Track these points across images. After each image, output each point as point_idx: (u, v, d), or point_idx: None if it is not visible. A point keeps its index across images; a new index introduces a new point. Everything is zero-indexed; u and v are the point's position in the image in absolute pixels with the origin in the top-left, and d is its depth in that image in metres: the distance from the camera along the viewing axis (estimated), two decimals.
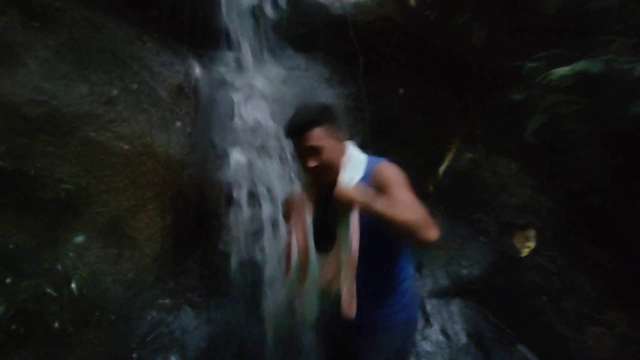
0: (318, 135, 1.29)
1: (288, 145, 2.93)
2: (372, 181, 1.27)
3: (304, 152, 1.31)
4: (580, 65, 2.72)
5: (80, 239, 2.01)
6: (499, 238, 3.12)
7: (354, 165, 1.33)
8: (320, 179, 1.33)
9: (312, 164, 1.28)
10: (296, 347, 2.19)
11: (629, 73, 2.27)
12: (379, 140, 3.65)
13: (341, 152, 1.33)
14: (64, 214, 2.03)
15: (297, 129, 1.31)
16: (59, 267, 1.90)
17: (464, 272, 2.96)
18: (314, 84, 3.39)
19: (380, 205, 1.13)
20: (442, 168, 3.76)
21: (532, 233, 3.05)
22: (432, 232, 1.14)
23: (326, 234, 1.28)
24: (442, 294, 2.90)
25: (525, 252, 2.94)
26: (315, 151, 1.29)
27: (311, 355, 2.16)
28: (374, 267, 1.30)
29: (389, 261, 1.35)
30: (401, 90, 4.01)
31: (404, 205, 1.16)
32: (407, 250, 1.42)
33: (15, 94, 1.95)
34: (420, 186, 3.66)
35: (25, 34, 2.13)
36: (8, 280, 1.75)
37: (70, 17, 2.44)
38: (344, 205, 1.17)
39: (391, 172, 1.27)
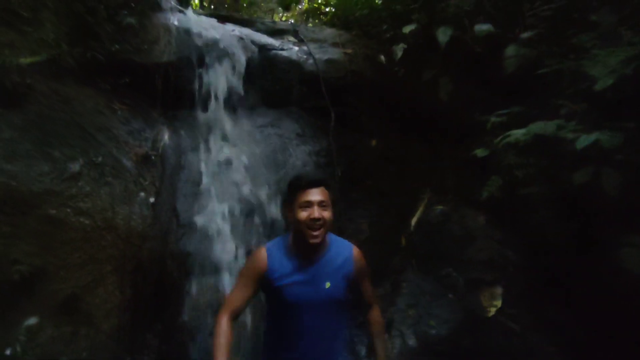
0: (328, 195, 1.50)
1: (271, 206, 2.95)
2: (357, 265, 1.57)
3: (316, 203, 1.45)
4: (535, 128, 2.79)
5: (32, 320, 1.99)
6: (467, 295, 3.12)
7: (338, 241, 1.60)
8: (315, 234, 1.45)
9: (321, 214, 1.43)
10: None
11: (573, 142, 2.35)
12: (351, 192, 3.70)
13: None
14: (18, 295, 2.02)
15: (320, 180, 1.49)
16: (9, 352, 1.87)
17: (432, 332, 2.94)
18: (285, 141, 3.46)
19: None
20: (414, 220, 3.80)
21: (498, 290, 3.06)
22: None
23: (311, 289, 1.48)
24: (410, 356, 2.86)
25: (492, 311, 2.94)
26: (326, 207, 1.47)
27: None
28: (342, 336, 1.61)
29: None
30: (373, 142, 4.10)
31: (374, 299, 1.72)
32: None
33: None
34: (392, 239, 3.69)
35: None
36: None
37: (40, 92, 2.50)
38: None
39: (365, 261, 1.63)
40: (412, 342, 2.89)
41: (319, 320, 1.48)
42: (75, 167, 2.29)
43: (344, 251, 1.56)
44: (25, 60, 2.51)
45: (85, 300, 2.18)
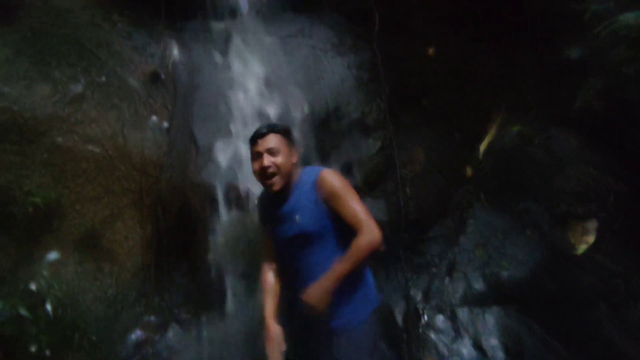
0: (278, 140, 1.76)
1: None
2: (320, 188, 1.73)
3: (264, 151, 1.73)
4: None
5: (54, 255, 2.24)
6: (550, 232, 3.05)
7: (310, 171, 1.79)
8: (269, 182, 1.73)
9: (270, 161, 1.71)
10: None
11: None
12: (402, 114, 3.62)
13: (293, 164, 1.78)
14: (37, 230, 2.26)
15: (268, 127, 1.78)
16: (33, 287, 2.14)
17: (505, 274, 2.95)
18: (318, 54, 3.39)
19: (343, 267, 1.61)
20: (482, 146, 3.68)
21: (592, 225, 2.95)
22: (377, 235, 1.63)
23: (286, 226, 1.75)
24: (476, 301, 2.92)
25: (582, 248, 2.87)
26: (277, 152, 1.73)
27: None
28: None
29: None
30: (430, 50, 3.91)
31: (359, 221, 1.65)
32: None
33: None
34: (455, 169, 3.62)
35: None
36: None
37: (30, 5, 2.61)
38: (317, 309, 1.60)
39: (333, 180, 1.73)
40: (478, 285, 2.93)
41: (302, 256, 1.72)
42: (77, 88, 2.42)
43: (309, 179, 1.77)
44: None
45: (105, 236, 2.40)
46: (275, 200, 1.80)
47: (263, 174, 1.72)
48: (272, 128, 1.77)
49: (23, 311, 2.04)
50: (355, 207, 1.68)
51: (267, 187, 1.75)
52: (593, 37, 3.00)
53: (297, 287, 1.69)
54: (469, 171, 3.60)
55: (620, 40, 2.76)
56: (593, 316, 2.64)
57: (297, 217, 1.72)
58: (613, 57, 2.68)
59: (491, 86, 3.86)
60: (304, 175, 1.79)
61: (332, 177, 1.73)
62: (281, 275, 1.84)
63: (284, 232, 1.75)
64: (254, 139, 1.76)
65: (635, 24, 2.45)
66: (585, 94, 2.74)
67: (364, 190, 3.12)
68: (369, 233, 1.62)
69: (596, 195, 3.07)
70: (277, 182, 1.73)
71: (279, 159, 1.72)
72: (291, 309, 1.76)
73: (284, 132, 1.81)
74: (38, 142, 2.31)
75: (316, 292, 1.60)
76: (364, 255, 1.63)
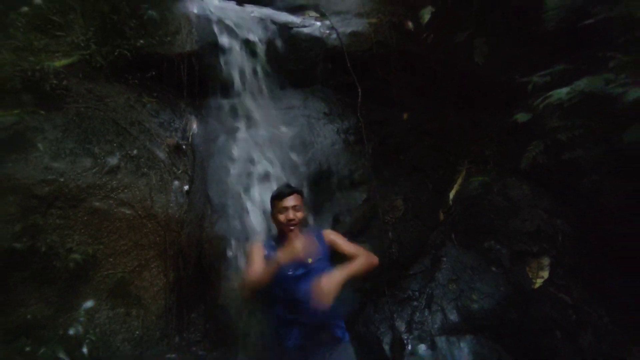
0: (299, 199, 2.11)
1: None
2: (326, 235, 2.15)
3: (291, 207, 2.04)
4: (579, 86, 2.69)
5: (90, 303, 2.29)
6: (512, 268, 3.11)
7: (310, 229, 2.19)
8: (291, 229, 2.04)
9: (295, 215, 2.04)
10: None
11: (622, 97, 2.26)
12: (383, 169, 3.74)
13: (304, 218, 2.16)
14: (75, 281, 2.32)
15: (293, 189, 2.13)
16: (72, 332, 2.17)
17: (475, 306, 2.97)
18: (312, 121, 3.55)
19: (353, 267, 1.89)
20: (451, 194, 3.79)
21: (546, 261, 3.02)
22: (376, 259, 2.06)
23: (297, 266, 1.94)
24: (452, 331, 2.92)
25: (538, 282, 2.92)
26: (297, 209, 2.07)
27: None
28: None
29: None
30: (405, 115, 4.09)
31: (358, 251, 2.08)
32: None
33: (28, 177, 2.28)
34: (429, 214, 3.71)
35: (36, 119, 2.46)
36: (28, 349, 2.03)
37: (75, 92, 2.77)
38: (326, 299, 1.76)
39: (333, 233, 2.22)
40: (453, 317, 2.95)
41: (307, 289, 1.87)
42: (113, 161, 2.54)
43: (315, 233, 2.13)
44: (59, 63, 2.78)
45: (134, 284, 2.45)
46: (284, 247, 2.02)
47: (288, 224, 2.03)
48: (295, 189, 2.13)
49: (62, 355, 2.06)
50: (351, 245, 2.12)
51: (288, 232, 2.03)
52: (534, 106, 3.17)
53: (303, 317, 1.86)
54: (441, 216, 3.69)
55: (555, 109, 2.94)
56: (550, 343, 2.66)
57: (310, 260, 1.96)
58: (550, 124, 2.83)
59: (457, 144, 4.03)
60: (307, 233, 2.10)
61: (331, 231, 2.23)
62: (279, 304, 1.97)
63: (291, 271, 1.95)
64: (281, 197, 2.06)
65: (566, 97, 2.61)
66: (529, 154, 2.87)
67: (353, 236, 3.19)
68: (373, 255, 2.04)
69: (547, 235, 3.16)
70: (295, 230, 2.04)
71: (299, 214, 2.06)
72: (289, 333, 1.90)
73: (301, 193, 2.17)
74: (79, 206, 2.41)
75: (329, 281, 1.75)
76: (369, 267, 1.98)
